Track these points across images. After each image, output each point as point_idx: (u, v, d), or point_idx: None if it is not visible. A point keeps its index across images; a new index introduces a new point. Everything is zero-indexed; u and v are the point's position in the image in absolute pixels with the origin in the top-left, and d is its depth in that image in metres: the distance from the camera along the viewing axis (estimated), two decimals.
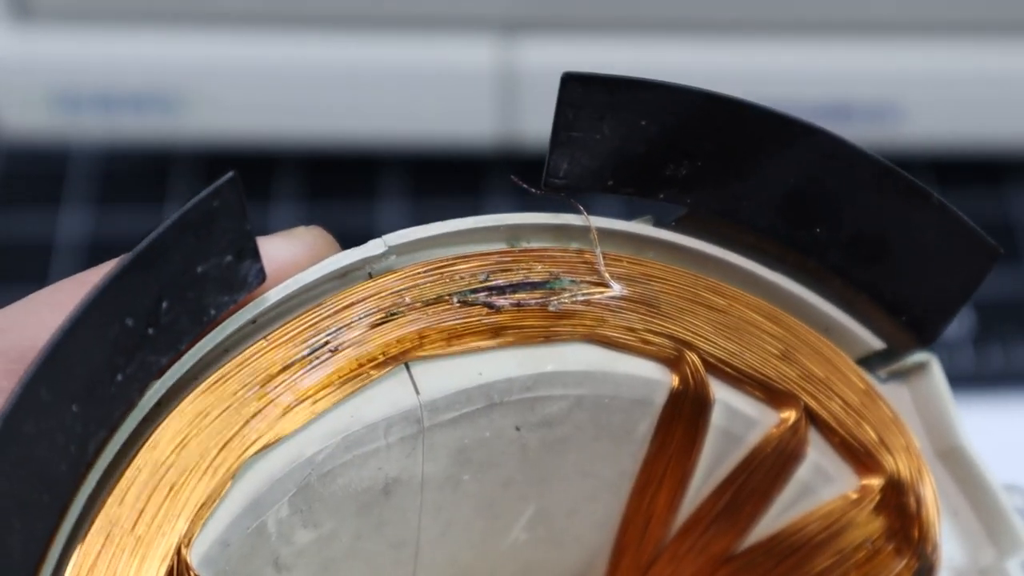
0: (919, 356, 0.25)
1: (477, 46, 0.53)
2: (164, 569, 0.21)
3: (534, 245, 0.24)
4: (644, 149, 0.23)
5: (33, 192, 0.60)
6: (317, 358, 0.22)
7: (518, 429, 0.24)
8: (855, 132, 0.55)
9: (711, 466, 0.25)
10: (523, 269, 0.24)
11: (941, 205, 0.24)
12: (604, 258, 0.24)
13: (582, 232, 0.24)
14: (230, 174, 0.21)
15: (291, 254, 0.24)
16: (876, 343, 0.25)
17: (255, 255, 0.22)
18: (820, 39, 0.53)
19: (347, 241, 0.66)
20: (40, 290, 0.23)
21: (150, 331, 0.21)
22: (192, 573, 0.21)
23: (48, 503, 0.20)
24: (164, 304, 0.21)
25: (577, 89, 0.23)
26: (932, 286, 0.25)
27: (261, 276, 0.22)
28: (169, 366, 0.22)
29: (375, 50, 0.53)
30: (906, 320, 0.25)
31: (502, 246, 0.24)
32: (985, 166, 0.59)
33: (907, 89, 0.54)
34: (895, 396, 0.25)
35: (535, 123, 0.55)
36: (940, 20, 0.53)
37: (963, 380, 0.54)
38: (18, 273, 0.57)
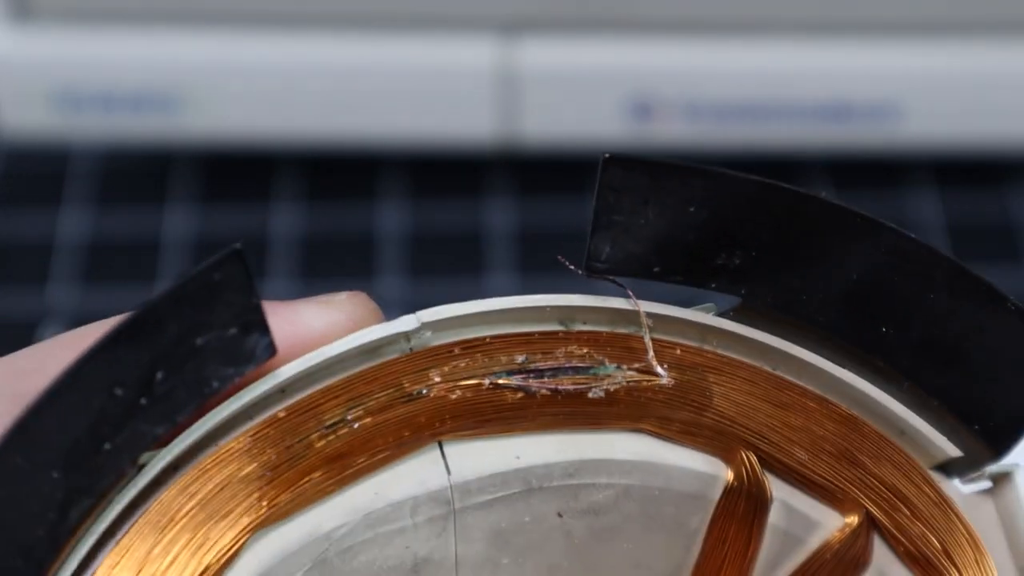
0: (1003, 465, 0.24)
1: (477, 46, 0.53)
2: None
3: (588, 328, 0.23)
4: (693, 237, 0.22)
5: (33, 192, 0.60)
6: (335, 432, 0.22)
7: (560, 516, 0.23)
8: (855, 132, 0.55)
9: (768, 566, 0.24)
10: (566, 353, 0.23)
11: (1019, 311, 0.23)
12: (659, 345, 0.23)
13: (647, 321, 0.23)
14: (235, 247, 0.20)
15: (327, 323, 0.23)
16: (953, 451, 0.24)
17: (263, 329, 0.21)
18: (820, 39, 0.53)
19: (347, 242, 0.65)
20: (69, 332, 0.23)
21: (143, 401, 0.20)
22: None
23: (22, 567, 0.19)
24: (159, 375, 0.20)
25: (618, 173, 0.22)
26: (1007, 397, 0.23)
27: (270, 350, 0.21)
28: (173, 436, 0.21)
29: (375, 50, 0.53)
30: (979, 429, 0.23)
31: (555, 327, 0.23)
32: (985, 166, 0.59)
33: (907, 89, 0.54)
34: (978, 506, 0.24)
35: (535, 123, 0.55)
36: (940, 20, 0.53)
37: None
38: (18, 273, 0.57)
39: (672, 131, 0.55)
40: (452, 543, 0.23)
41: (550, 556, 0.24)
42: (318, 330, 0.22)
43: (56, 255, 0.58)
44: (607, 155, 0.22)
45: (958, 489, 0.24)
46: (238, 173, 0.60)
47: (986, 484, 0.24)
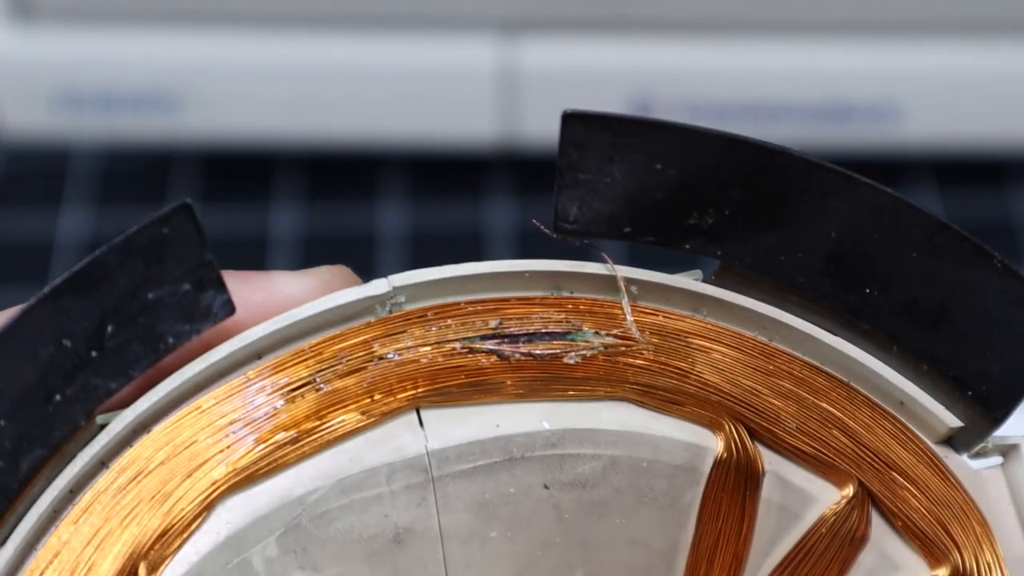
0: (1010, 437, 0.23)
1: (477, 46, 0.53)
2: None
3: (569, 295, 0.23)
4: (663, 195, 0.22)
5: (33, 192, 0.60)
6: (301, 395, 0.22)
7: (547, 487, 0.23)
8: (855, 132, 0.55)
9: (768, 544, 0.23)
10: (543, 318, 0.22)
11: (1006, 268, 0.22)
12: (642, 312, 0.23)
13: (627, 283, 0.23)
14: (183, 201, 0.20)
15: (302, 291, 0.23)
16: (953, 421, 0.23)
17: (219, 286, 0.21)
18: (820, 39, 0.53)
19: (347, 242, 0.65)
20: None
21: (93, 354, 0.20)
22: None
23: None
24: (109, 328, 0.20)
25: (578, 128, 0.21)
26: (999, 360, 0.22)
27: (228, 307, 0.21)
28: (136, 394, 0.21)
29: (375, 50, 0.53)
30: (972, 396, 0.22)
31: (543, 293, 0.23)
32: (985, 166, 0.59)
33: (907, 89, 0.54)
34: (989, 481, 0.23)
35: (535, 123, 0.55)
36: (940, 20, 0.53)
37: None
38: (18, 273, 0.57)
39: None
40: (434, 513, 0.23)
41: (541, 531, 0.24)
42: (293, 297, 0.22)
43: (56, 255, 0.58)
44: (567, 111, 0.21)
45: (967, 464, 0.23)
46: (238, 173, 0.60)
47: (996, 459, 0.23)
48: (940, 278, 0.22)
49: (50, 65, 0.53)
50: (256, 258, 0.57)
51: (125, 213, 0.59)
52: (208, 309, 0.21)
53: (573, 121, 0.21)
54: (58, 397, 0.20)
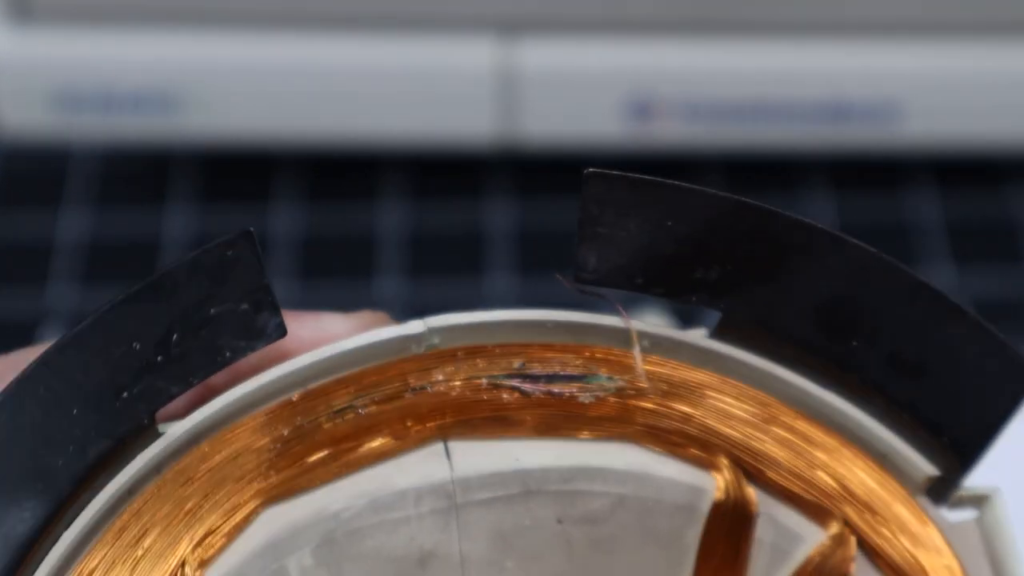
0: (981, 488, 0.24)
1: (477, 46, 0.53)
2: None
3: (588, 343, 0.25)
4: (672, 250, 0.24)
5: (33, 192, 0.60)
6: (343, 416, 0.24)
7: (559, 522, 0.25)
8: (855, 132, 0.55)
9: None
10: (562, 362, 0.24)
11: (977, 323, 0.24)
12: (653, 363, 0.24)
13: (639, 336, 0.25)
14: (247, 229, 0.23)
15: (345, 329, 0.25)
16: (930, 469, 0.24)
17: (273, 308, 0.23)
18: (820, 39, 0.53)
19: (347, 242, 0.65)
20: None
21: (159, 358, 0.22)
22: None
23: (42, 490, 0.22)
24: (175, 336, 0.23)
25: (601, 185, 0.23)
26: (970, 407, 0.24)
27: (281, 330, 0.23)
28: (192, 406, 0.23)
29: (375, 50, 0.53)
30: (947, 442, 0.24)
31: (556, 340, 0.25)
32: (985, 166, 0.59)
33: (907, 89, 0.54)
34: (964, 533, 0.24)
35: (535, 123, 0.55)
36: (940, 20, 0.53)
37: None
38: (18, 273, 0.57)
39: (671, 131, 0.55)
40: (456, 539, 0.24)
41: (553, 564, 0.25)
42: (337, 335, 0.25)
43: (56, 255, 0.58)
44: (589, 170, 0.23)
45: (945, 517, 0.24)
46: (238, 173, 0.60)
47: (972, 512, 0.24)
48: (920, 330, 0.24)
49: (49, 65, 0.53)
50: None
51: (125, 213, 0.59)
52: (263, 329, 0.23)
53: (596, 179, 0.23)
54: (125, 395, 0.22)
